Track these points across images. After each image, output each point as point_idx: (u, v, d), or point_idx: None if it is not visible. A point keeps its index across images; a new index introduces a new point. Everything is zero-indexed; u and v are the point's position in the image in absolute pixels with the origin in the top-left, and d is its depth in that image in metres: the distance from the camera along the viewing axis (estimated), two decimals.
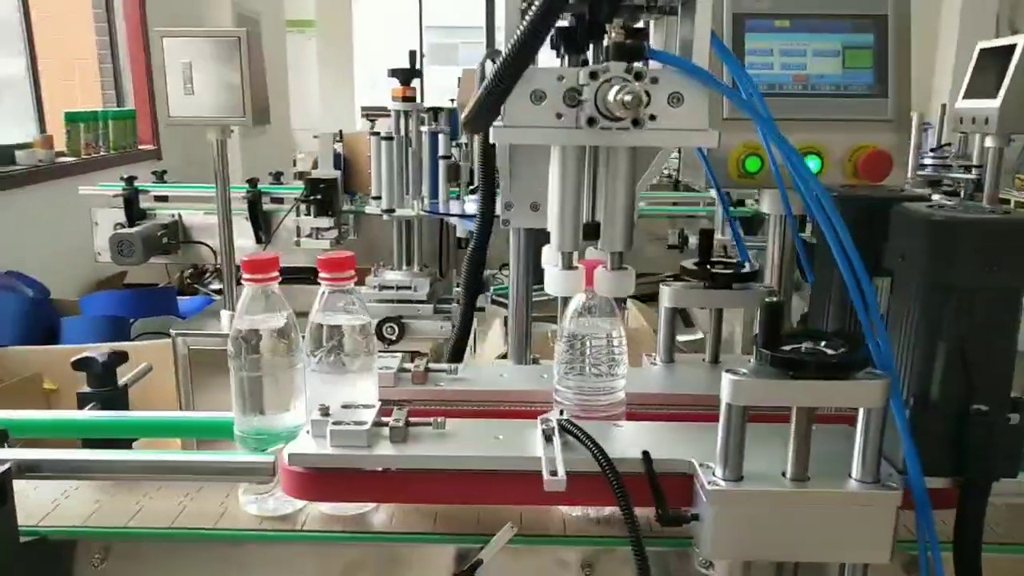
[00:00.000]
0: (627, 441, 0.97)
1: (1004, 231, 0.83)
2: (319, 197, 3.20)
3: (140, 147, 5.34)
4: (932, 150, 3.96)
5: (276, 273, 1.03)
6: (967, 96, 3.03)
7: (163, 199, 3.63)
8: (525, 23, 0.77)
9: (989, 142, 2.91)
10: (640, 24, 1.07)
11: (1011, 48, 2.85)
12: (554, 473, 0.85)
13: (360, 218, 3.43)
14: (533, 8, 0.76)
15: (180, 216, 3.48)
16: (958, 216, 0.85)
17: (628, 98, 0.74)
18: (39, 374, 3.20)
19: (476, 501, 0.99)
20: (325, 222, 3.25)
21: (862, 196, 1.05)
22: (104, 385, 1.19)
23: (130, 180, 3.37)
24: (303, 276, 4.27)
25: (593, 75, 0.76)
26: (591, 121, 0.77)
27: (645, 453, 0.92)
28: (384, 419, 0.96)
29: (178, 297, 4.21)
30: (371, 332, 1.06)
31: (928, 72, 9.46)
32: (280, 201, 3.58)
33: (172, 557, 1.03)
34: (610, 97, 0.75)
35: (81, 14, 5.70)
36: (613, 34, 0.78)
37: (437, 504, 1.02)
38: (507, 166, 1.14)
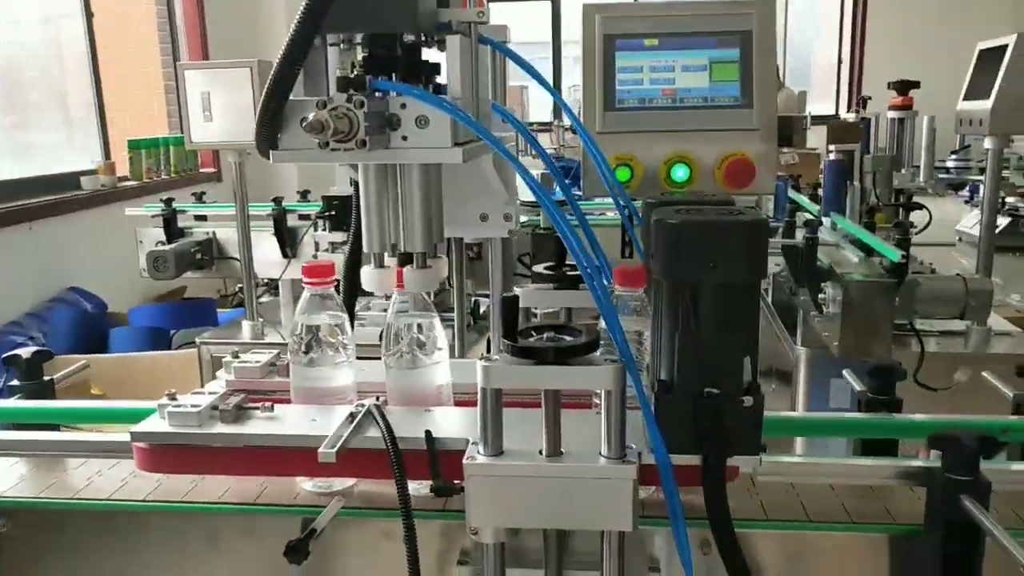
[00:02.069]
0: (430, 424, 1.09)
1: (720, 232, 0.92)
2: (333, 213, 3.41)
3: (202, 171, 5.73)
4: (953, 153, 3.87)
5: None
6: (967, 97, 3.00)
7: (202, 218, 3.92)
8: (276, 65, 0.91)
9: (988, 143, 2.87)
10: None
11: (1005, 48, 2.82)
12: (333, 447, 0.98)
13: None
14: (283, 48, 0.91)
15: (214, 233, 3.74)
16: (687, 219, 0.94)
17: (305, 123, 0.87)
18: (86, 380, 3.51)
19: (289, 473, 1.13)
20: (340, 236, 3.46)
21: (661, 201, 1.14)
22: (30, 379, 1.39)
23: (168, 201, 3.66)
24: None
25: (324, 104, 0.90)
26: (325, 144, 0.91)
27: (427, 432, 1.04)
28: (222, 403, 1.11)
29: (226, 309, 4.52)
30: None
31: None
32: (307, 218, 3.82)
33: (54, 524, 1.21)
34: (303, 124, 0.88)
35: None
36: (337, 71, 0.92)
37: (261, 476, 1.17)
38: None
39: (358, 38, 1.03)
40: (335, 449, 0.97)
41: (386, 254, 1.11)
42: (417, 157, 0.97)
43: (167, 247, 3.54)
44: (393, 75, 1.03)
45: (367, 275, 1.10)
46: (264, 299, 4.55)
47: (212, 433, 1.07)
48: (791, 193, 3.85)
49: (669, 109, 1.47)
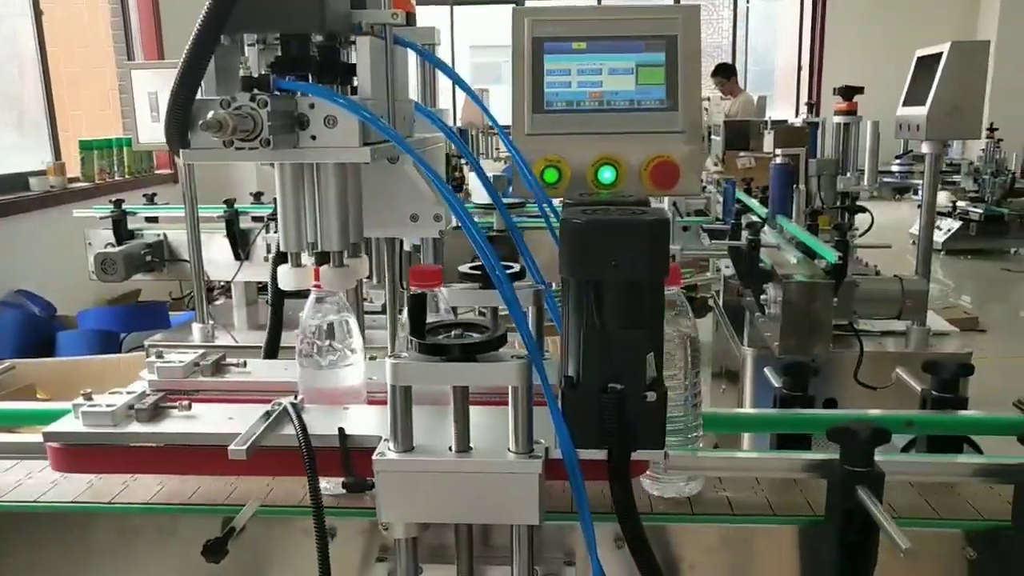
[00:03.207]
0: (345, 421, 1.10)
1: (621, 231, 0.94)
2: None
3: (157, 172, 5.67)
4: (897, 157, 3.95)
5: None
6: (905, 103, 3.07)
7: (154, 220, 3.87)
8: (180, 64, 0.92)
9: (925, 148, 2.94)
10: None
11: (940, 56, 2.89)
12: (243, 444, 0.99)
13: None
14: (187, 48, 0.91)
15: (165, 235, 3.71)
16: (590, 219, 0.96)
17: (202, 122, 0.88)
18: (32, 385, 3.46)
19: (205, 472, 1.13)
20: None
21: (578, 202, 1.16)
22: None
23: (118, 203, 3.62)
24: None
25: (227, 104, 0.91)
26: (228, 143, 0.91)
27: (340, 429, 1.05)
28: (139, 403, 1.11)
29: (180, 312, 4.47)
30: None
31: None
32: (260, 220, 3.79)
33: None
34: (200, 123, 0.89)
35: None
36: (241, 71, 0.93)
37: (180, 474, 1.17)
38: None
39: (273, 39, 1.04)
40: (246, 447, 0.98)
41: (303, 253, 1.12)
42: (325, 156, 0.99)
43: (116, 249, 3.49)
44: (310, 76, 1.04)
45: (283, 273, 1.11)
46: (219, 301, 4.51)
47: (126, 432, 1.07)
48: (742, 196, 3.92)
49: (596, 111, 1.49)
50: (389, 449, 0.99)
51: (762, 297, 2.73)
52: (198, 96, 0.97)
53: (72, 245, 4.17)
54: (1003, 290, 7.03)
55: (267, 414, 1.08)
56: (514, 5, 9.68)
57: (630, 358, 0.96)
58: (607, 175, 1.49)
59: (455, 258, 1.58)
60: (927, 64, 2.96)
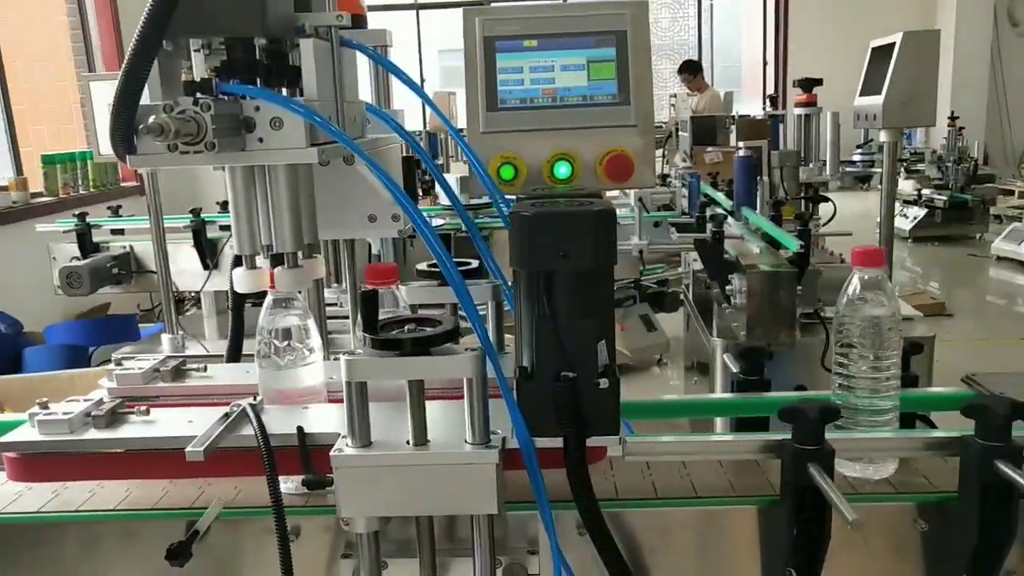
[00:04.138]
0: (304, 420, 1.10)
1: (568, 222, 0.96)
2: None
3: (124, 184, 5.61)
4: (859, 147, 4.01)
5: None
6: (863, 93, 3.12)
7: (120, 232, 3.84)
8: (122, 70, 0.92)
9: (883, 136, 2.99)
10: None
11: (894, 46, 2.94)
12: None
13: None
14: (128, 54, 0.92)
15: (132, 248, 3.68)
16: (538, 211, 0.98)
17: (143, 127, 0.89)
18: (0, 402, 3.41)
19: (165, 476, 1.13)
20: None
21: (531, 196, 1.18)
22: None
23: (82, 216, 3.58)
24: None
25: (170, 109, 0.91)
26: (173, 147, 0.92)
27: (299, 428, 1.05)
28: (96, 409, 1.11)
29: (150, 324, 4.44)
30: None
31: None
32: (228, 228, 3.77)
33: None
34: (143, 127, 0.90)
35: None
36: (183, 75, 0.94)
37: (140, 479, 1.17)
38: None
39: (218, 43, 1.04)
40: (203, 448, 0.98)
41: (258, 255, 1.13)
42: (272, 158, 0.99)
43: (81, 262, 3.46)
44: (258, 79, 1.05)
45: (238, 276, 1.12)
46: (190, 312, 4.47)
47: (83, 439, 1.07)
48: (708, 189, 3.96)
49: (550, 108, 1.50)
50: (347, 445, 1.00)
51: (728, 288, 2.77)
52: (143, 102, 0.97)
53: (37, 260, 4.12)
54: (969, 275, 7.16)
55: (226, 416, 1.08)
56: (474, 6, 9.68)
57: (582, 346, 0.98)
58: (563, 170, 1.50)
59: (425, 257, 1.59)
60: (881, 54, 3.01)
